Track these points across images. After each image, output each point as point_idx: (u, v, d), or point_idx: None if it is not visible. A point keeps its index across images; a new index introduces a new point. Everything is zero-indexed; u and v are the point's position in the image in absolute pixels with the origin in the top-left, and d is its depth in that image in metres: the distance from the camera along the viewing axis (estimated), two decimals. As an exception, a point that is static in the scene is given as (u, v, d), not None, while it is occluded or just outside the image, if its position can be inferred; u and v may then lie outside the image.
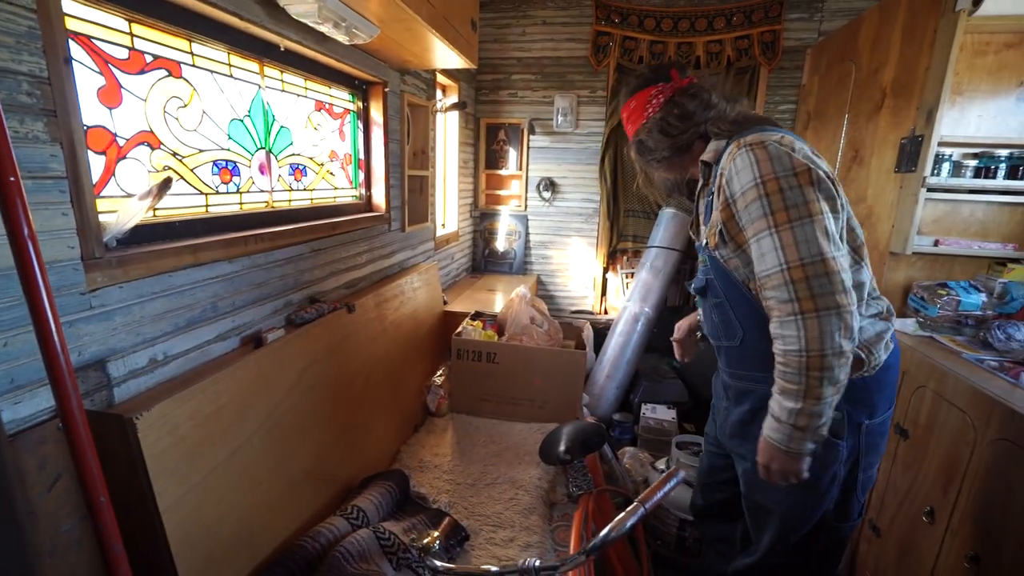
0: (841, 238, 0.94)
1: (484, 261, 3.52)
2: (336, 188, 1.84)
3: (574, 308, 3.46)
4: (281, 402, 1.23)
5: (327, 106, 1.74)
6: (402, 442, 1.87)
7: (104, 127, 0.98)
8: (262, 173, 1.44)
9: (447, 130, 2.98)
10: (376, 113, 1.96)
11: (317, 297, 1.55)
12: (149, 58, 1.07)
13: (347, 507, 1.30)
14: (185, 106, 1.16)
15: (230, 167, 1.32)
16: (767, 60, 2.93)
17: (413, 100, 2.22)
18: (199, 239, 1.13)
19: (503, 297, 2.72)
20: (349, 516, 1.27)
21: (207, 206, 1.25)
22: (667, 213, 3.02)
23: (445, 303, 2.52)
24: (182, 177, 1.17)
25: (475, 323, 2.20)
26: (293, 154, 1.57)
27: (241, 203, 1.37)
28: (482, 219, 3.51)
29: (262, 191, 1.45)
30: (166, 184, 1.05)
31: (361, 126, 1.94)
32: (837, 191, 0.95)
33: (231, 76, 1.29)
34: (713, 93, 1.12)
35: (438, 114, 2.57)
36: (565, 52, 3.18)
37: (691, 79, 1.14)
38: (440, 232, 2.92)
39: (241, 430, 1.10)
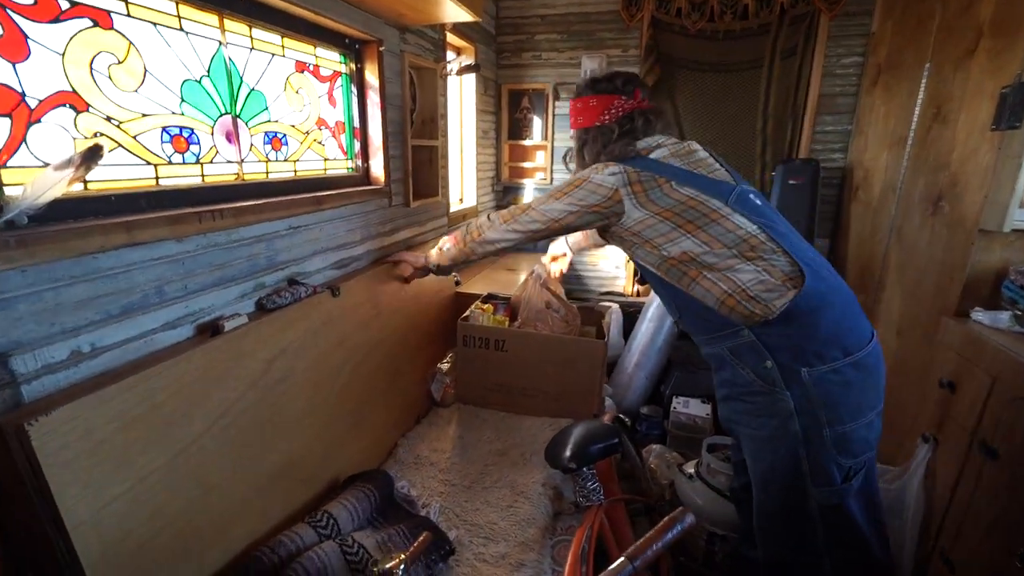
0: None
1: (508, 239, 3.32)
2: (327, 159, 1.68)
3: (604, 290, 3.22)
4: (241, 397, 1.10)
5: (311, 67, 1.57)
6: (401, 435, 1.74)
7: (6, 84, 0.85)
8: (229, 142, 1.30)
9: (463, 97, 2.76)
10: (371, 76, 1.78)
11: (297, 279, 1.41)
12: (65, 4, 0.92)
13: (317, 513, 1.16)
14: (120, 63, 1.02)
15: (185, 134, 1.17)
16: (828, 5, 2.53)
17: (418, 62, 2.02)
18: (140, 215, 1.00)
19: (524, 278, 2.52)
20: (317, 524, 1.13)
21: (157, 178, 1.12)
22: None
23: (458, 284, 2.36)
24: (120, 145, 1.04)
25: (485, 306, 2.02)
26: (268, 121, 1.42)
27: (203, 175, 1.23)
28: (505, 193, 3.30)
29: (230, 162, 1.30)
30: (93, 152, 0.90)
31: (355, 90, 1.77)
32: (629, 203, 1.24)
33: (181, 30, 1.14)
34: (658, 123, 1.35)
35: (449, 78, 2.36)
36: (593, 7, 2.88)
37: (648, 104, 1.35)
38: (457, 207, 2.74)
39: (185, 431, 0.97)
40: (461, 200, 2.90)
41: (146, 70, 1.07)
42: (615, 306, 2.73)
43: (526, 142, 3.19)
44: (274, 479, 1.17)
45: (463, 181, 2.91)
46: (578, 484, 1.37)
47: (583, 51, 2.96)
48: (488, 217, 1.47)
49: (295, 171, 1.54)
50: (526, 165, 3.25)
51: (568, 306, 1.98)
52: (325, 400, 1.36)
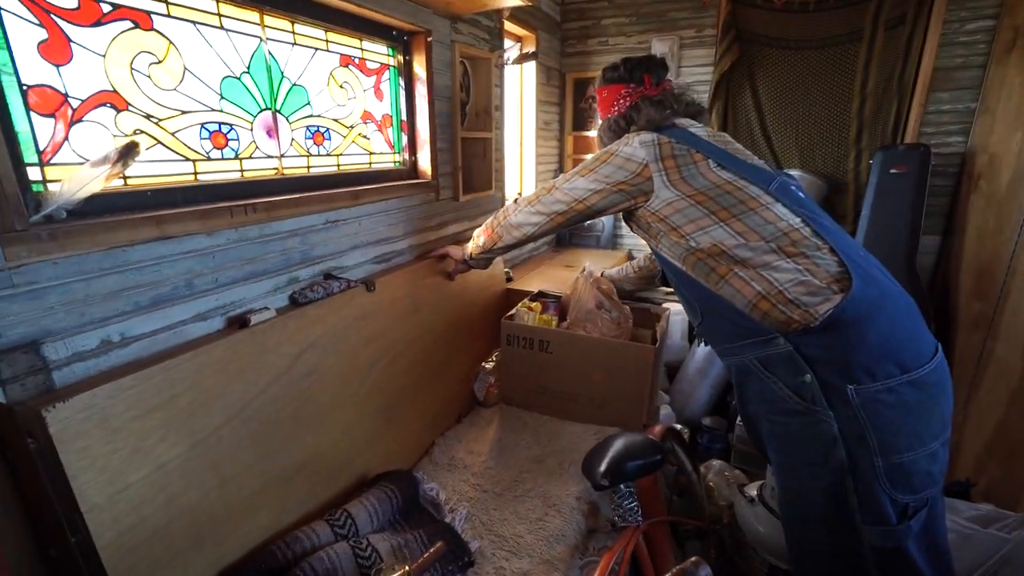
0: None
1: (569, 233, 3.20)
2: (372, 153, 1.68)
3: (669, 289, 3.01)
4: (265, 391, 1.11)
5: (356, 61, 1.57)
6: (439, 433, 1.71)
7: (51, 86, 0.89)
8: (269, 137, 1.32)
9: (523, 87, 2.68)
10: (419, 68, 1.75)
11: (334, 274, 1.42)
12: (107, 7, 0.96)
13: (336, 512, 1.15)
14: (159, 62, 1.05)
15: (224, 130, 1.20)
16: (950, -40, 2.16)
17: (471, 52, 1.97)
18: (171, 210, 1.03)
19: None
20: (335, 523, 1.12)
21: (195, 174, 1.15)
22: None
23: (509, 279, 2.29)
24: (159, 142, 1.07)
25: (533, 305, 1.94)
26: (310, 116, 1.43)
27: (242, 170, 1.26)
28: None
29: (269, 157, 1.32)
30: (129, 149, 0.94)
31: (403, 83, 1.75)
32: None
33: (221, 28, 1.16)
34: (673, 106, 1.23)
35: (507, 68, 2.29)
36: (665, -16, 2.68)
37: (662, 88, 1.27)
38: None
39: (204, 422, 0.99)
40: (520, 193, 2.83)
41: (185, 68, 1.10)
42: (676, 307, 2.53)
43: (590, 133, 3.05)
44: (296, 473, 1.18)
45: (523, 174, 2.84)
46: (614, 502, 1.26)
47: (653, 34, 2.77)
48: (515, 200, 1.39)
49: (338, 165, 1.55)
50: (590, 157, 3.11)
51: (620, 307, 1.85)
52: (354, 396, 1.35)
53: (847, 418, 0.94)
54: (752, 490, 1.64)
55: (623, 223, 3.03)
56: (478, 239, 1.51)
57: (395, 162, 1.79)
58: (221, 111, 1.19)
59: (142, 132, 1.04)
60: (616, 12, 2.82)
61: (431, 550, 1.02)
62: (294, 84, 1.37)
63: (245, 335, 1.09)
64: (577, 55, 2.96)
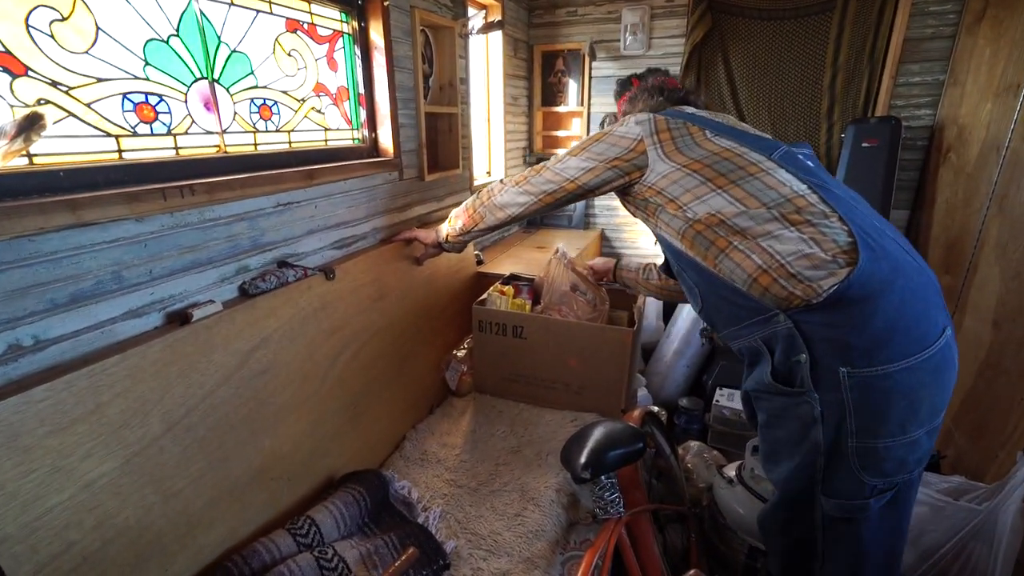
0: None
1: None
2: (327, 129, 1.55)
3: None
4: (212, 393, 1.00)
5: (305, 26, 1.42)
6: (411, 425, 1.63)
7: (-78, 45, 0.75)
8: (208, 110, 1.18)
9: (489, 59, 2.56)
10: (376, 35, 1.61)
11: (288, 261, 1.30)
12: (-10, -50, 0.81)
13: (299, 519, 1.06)
14: (64, 19, 0.90)
15: (152, 102, 1.06)
16: (921, -73, 2.12)
17: (432, 19, 1.84)
18: (90, 193, 0.89)
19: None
20: (297, 532, 1.04)
21: (120, 151, 1.01)
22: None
23: (480, 263, 2.20)
24: (72, 114, 0.93)
25: (505, 289, 1.86)
26: (255, 87, 1.29)
27: (177, 148, 1.12)
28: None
29: (209, 133, 1.19)
30: (32, 122, 0.81)
31: (359, 53, 1.61)
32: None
33: (141, -19, 1.01)
34: (666, 92, 1.27)
35: (471, 38, 2.16)
36: (635, -50, 2.57)
37: (653, 81, 1.32)
38: (484, 180, 2.57)
39: (140, 432, 0.88)
40: (489, 173, 2.73)
41: (98, 28, 0.95)
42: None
43: (560, 108, 2.95)
44: (253, 481, 1.08)
45: (491, 152, 2.72)
46: (595, 494, 1.21)
47: (624, 3, 2.66)
48: (501, 180, 1.31)
49: (290, 143, 1.41)
50: (560, 134, 3.01)
51: (596, 288, 1.79)
52: (315, 393, 1.25)
53: (831, 401, 0.91)
54: (731, 471, 1.63)
55: (596, 200, 2.99)
56: (455, 221, 1.42)
57: (354, 139, 1.66)
58: (147, 79, 1.04)
59: (48, 102, 0.90)
60: (585, -20, 2.70)
61: (403, 557, 0.95)
62: (233, 51, 1.22)
63: (187, 332, 0.97)
64: (545, 26, 2.84)
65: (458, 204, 2.16)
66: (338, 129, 1.59)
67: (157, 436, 0.90)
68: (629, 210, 1.23)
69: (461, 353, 1.85)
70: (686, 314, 2.36)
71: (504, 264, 2.26)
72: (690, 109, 1.19)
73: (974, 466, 1.61)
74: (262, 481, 1.11)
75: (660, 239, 1.16)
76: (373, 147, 1.71)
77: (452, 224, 1.44)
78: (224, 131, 1.21)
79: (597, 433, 1.22)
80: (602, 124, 1.32)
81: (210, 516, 0.99)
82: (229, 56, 1.21)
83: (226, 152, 1.22)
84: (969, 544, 1.34)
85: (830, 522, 0.98)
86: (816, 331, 0.91)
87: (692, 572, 0.60)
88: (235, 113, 1.24)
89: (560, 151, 1.28)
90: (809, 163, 1.04)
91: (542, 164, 1.26)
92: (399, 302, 1.62)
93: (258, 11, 1.27)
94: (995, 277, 1.71)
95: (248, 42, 1.25)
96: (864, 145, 2.21)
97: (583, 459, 1.15)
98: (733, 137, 1.05)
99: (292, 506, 1.17)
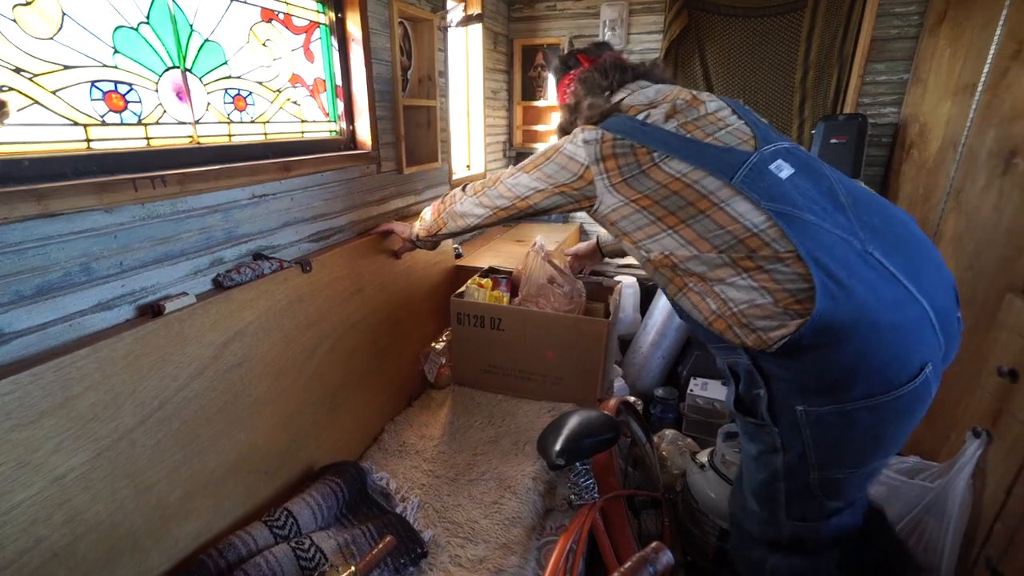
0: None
1: (520, 208, 3.13)
2: (304, 121, 1.53)
3: (623, 262, 3.01)
4: (187, 385, 1.00)
5: (281, 16, 1.41)
6: (389, 418, 1.63)
7: None
8: (180, 100, 1.16)
9: (468, 53, 2.55)
10: (354, 27, 1.60)
11: (264, 253, 1.29)
12: (-52, -69, 0.78)
13: (275, 511, 1.07)
14: (28, 3, 0.88)
15: (122, 91, 1.04)
16: (888, -70, 2.18)
17: (410, 11, 1.83)
18: (57, 183, 0.88)
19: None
20: (274, 523, 1.04)
21: (88, 141, 0.99)
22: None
23: (459, 256, 2.21)
24: (37, 102, 0.91)
25: (484, 281, 1.87)
26: (228, 77, 1.27)
27: (148, 138, 1.10)
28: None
29: (182, 123, 1.17)
30: (-7, 109, 0.79)
31: (336, 44, 1.60)
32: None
33: (109, -34, 0.99)
34: (614, 73, 1.14)
35: (451, 31, 2.15)
36: (613, -54, 2.59)
37: (601, 59, 1.19)
38: (463, 174, 2.57)
39: (111, 426, 0.87)
40: (468, 167, 2.73)
41: (64, 13, 0.93)
42: (629, 279, 2.54)
43: (540, 103, 2.96)
44: (230, 473, 1.08)
45: (470, 146, 2.72)
46: (571, 480, 1.24)
47: (602, -1, 2.68)
48: (463, 188, 1.31)
49: (265, 134, 1.40)
50: (540, 128, 3.03)
51: (572, 281, 1.81)
52: (293, 385, 1.25)
53: (791, 435, 0.91)
54: (703, 457, 1.68)
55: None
56: (425, 220, 1.42)
57: (331, 131, 1.65)
58: (116, 67, 1.02)
59: (10, 89, 0.87)
60: (564, -26, 2.72)
61: (380, 545, 0.96)
62: (207, 39, 1.20)
63: (159, 325, 0.96)
64: (525, 20, 2.84)
65: (436, 197, 2.18)
66: (315, 121, 1.58)
67: (130, 429, 0.89)
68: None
69: (440, 346, 1.86)
70: (662, 307, 2.41)
71: (483, 257, 2.27)
72: (646, 115, 1.04)
73: (928, 447, 1.69)
74: (238, 474, 1.10)
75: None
76: (351, 139, 1.70)
77: (422, 222, 1.44)
78: (197, 121, 1.20)
79: (572, 421, 1.24)
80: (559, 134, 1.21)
81: (185, 509, 0.99)
82: (202, 45, 1.19)
83: (199, 143, 1.20)
84: (924, 519, 1.42)
85: (801, 544, 1.03)
86: (773, 371, 0.90)
87: (654, 544, 0.62)
88: (208, 103, 1.23)
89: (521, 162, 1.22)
90: (782, 173, 0.93)
91: (498, 176, 1.23)
92: (377, 295, 1.62)
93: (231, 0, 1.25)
94: (952, 268, 1.78)
95: (222, 31, 1.23)
96: (833, 141, 2.28)
97: (558, 446, 1.17)
98: (689, 156, 0.95)
99: (269, 498, 1.17)
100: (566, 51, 1.30)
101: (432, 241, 1.46)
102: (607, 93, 1.14)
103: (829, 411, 0.87)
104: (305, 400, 1.29)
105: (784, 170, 0.93)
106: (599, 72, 1.16)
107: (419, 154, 2.03)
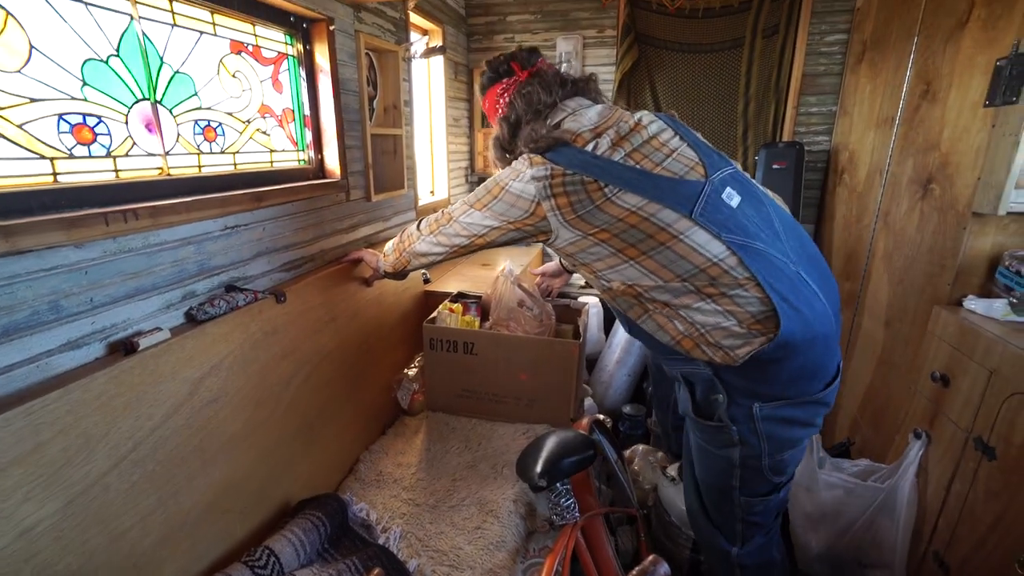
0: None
1: (484, 232, 3.18)
2: (273, 151, 1.53)
3: (583, 282, 3.11)
4: (162, 424, 0.96)
5: (250, 48, 1.41)
6: (365, 447, 1.61)
7: None
8: (150, 132, 1.14)
9: (431, 82, 2.61)
10: (322, 58, 1.62)
11: (237, 285, 1.27)
12: (-86, -34, 0.76)
13: (256, 550, 1.04)
14: (-6, 38, 0.86)
15: (91, 123, 1.02)
16: (812, -21, 2.42)
17: (376, 43, 1.87)
18: (24, 219, 0.85)
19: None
20: (255, 563, 1.01)
21: (55, 174, 0.96)
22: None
23: (427, 281, 2.22)
24: (2, 135, 0.88)
25: (454, 307, 1.89)
26: (199, 108, 1.26)
27: (116, 170, 1.08)
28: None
29: (151, 155, 1.15)
30: (-41, 144, 0.76)
31: (304, 75, 1.61)
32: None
33: (81, 0, 0.98)
34: (554, 88, 1.12)
35: (414, 62, 2.20)
36: (567, -16, 2.74)
37: (536, 68, 1.17)
38: (428, 200, 2.60)
39: (83, 471, 0.83)
40: (432, 192, 2.76)
41: (32, 46, 0.91)
42: (593, 300, 2.62)
43: (500, 130, 3.04)
44: (206, 513, 1.04)
45: (434, 172, 2.76)
46: (551, 501, 1.26)
47: (558, 32, 2.82)
48: (418, 226, 1.32)
49: (235, 164, 1.39)
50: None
51: (542, 304, 1.86)
52: (269, 418, 1.23)
53: (747, 431, 1.05)
54: (673, 471, 1.74)
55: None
56: (389, 256, 1.42)
57: (300, 160, 1.65)
58: (85, 100, 1.01)
59: (-24, 124, 0.85)
60: (521, 9, 2.83)
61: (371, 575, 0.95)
62: (176, 71, 1.20)
63: (133, 362, 0.93)
64: (484, 51, 2.94)
65: (405, 224, 2.19)
66: (284, 151, 1.58)
67: (103, 473, 0.86)
68: None
69: (412, 372, 1.86)
70: (625, 325, 2.50)
71: (451, 283, 2.30)
72: (594, 147, 1.01)
73: (877, 450, 1.83)
74: (214, 514, 1.07)
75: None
76: (319, 169, 1.70)
77: (387, 260, 1.44)
78: (167, 153, 1.18)
79: (550, 443, 1.27)
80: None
81: (160, 556, 0.95)
82: (172, 77, 1.18)
83: (170, 175, 1.18)
84: (876, 518, 1.52)
85: (745, 510, 1.17)
86: (731, 380, 1.02)
87: (651, 557, 0.66)
88: (178, 135, 1.21)
89: (467, 197, 1.19)
90: (732, 201, 0.98)
91: (449, 212, 1.22)
92: (349, 323, 1.61)
93: (202, 32, 1.25)
94: (884, 283, 1.96)
95: (192, 63, 1.23)
96: (775, 167, 2.46)
97: (539, 468, 1.20)
98: (642, 190, 0.95)
99: (247, 537, 1.13)
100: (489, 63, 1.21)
101: (398, 275, 1.47)
102: (548, 113, 1.10)
103: (776, 406, 1.01)
104: (281, 434, 1.27)
105: (734, 198, 0.99)
106: (542, 87, 1.11)
107: (386, 181, 2.05)
